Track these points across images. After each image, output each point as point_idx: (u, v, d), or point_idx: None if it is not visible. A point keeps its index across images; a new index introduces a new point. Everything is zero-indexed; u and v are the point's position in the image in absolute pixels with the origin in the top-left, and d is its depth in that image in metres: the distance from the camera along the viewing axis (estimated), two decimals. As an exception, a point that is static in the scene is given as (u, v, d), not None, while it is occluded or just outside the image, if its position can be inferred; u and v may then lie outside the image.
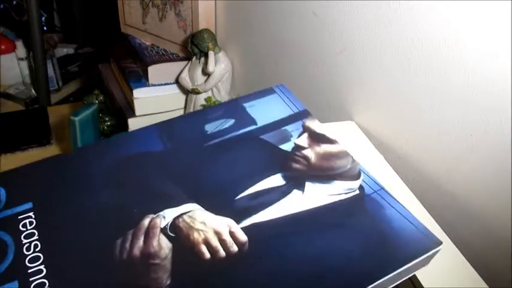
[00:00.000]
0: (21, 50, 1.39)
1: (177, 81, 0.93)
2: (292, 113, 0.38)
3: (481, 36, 0.41)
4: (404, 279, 0.28)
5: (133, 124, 0.91)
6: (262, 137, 0.36)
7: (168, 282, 0.26)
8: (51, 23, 1.65)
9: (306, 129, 0.36)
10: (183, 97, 0.95)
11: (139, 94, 0.90)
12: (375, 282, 0.25)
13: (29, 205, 0.30)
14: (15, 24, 1.46)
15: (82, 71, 1.54)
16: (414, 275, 0.38)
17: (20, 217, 0.29)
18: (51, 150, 0.95)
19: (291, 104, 0.39)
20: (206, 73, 0.88)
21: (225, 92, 0.91)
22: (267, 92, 0.40)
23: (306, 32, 0.66)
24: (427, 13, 0.46)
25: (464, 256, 0.41)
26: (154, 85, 0.92)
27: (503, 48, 0.39)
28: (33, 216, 0.29)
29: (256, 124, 0.36)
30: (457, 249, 0.42)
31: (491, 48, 0.41)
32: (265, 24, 0.77)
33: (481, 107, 0.43)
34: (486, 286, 0.38)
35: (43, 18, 1.47)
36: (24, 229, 0.28)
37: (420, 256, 0.27)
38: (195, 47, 0.86)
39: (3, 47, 1.39)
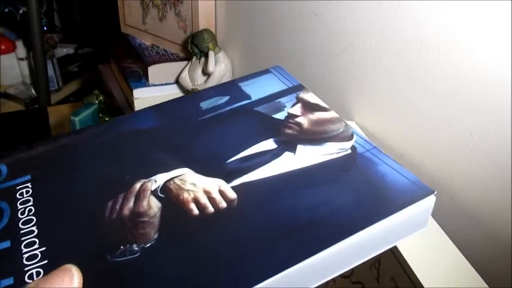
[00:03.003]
0: (21, 50, 1.39)
1: (177, 81, 0.93)
2: (287, 87, 0.38)
3: (481, 36, 0.41)
4: (402, 239, 0.28)
5: (133, 124, 0.91)
6: (255, 109, 0.36)
7: (156, 236, 0.27)
8: (51, 23, 1.66)
9: (299, 100, 0.37)
10: (183, 97, 0.95)
11: (139, 94, 0.91)
12: (368, 226, 0.26)
13: (28, 177, 0.32)
14: (15, 24, 1.46)
15: (82, 71, 1.54)
16: (414, 275, 0.38)
17: (18, 187, 0.31)
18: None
19: (286, 80, 0.40)
20: (206, 73, 0.88)
21: (225, 92, 0.91)
22: (263, 72, 0.41)
23: (306, 32, 0.66)
24: (427, 13, 0.46)
25: (464, 256, 0.41)
26: (155, 85, 0.92)
27: (503, 48, 0.39)
28: (30, 186, 0.31)
29: (250, 99, 0.37)
30: (457, 249, 0.42)
31: (491, 48, 0.41)
32: (265, 25, 0.77)
33: (481, 107, 0.43)
34: (486, 286, 0.38)
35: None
36: (21, 197, 0.30)
37: (413, 203, 0.27)
38: (195, 47, 0.87)
39: (3, 47, 1.39)
